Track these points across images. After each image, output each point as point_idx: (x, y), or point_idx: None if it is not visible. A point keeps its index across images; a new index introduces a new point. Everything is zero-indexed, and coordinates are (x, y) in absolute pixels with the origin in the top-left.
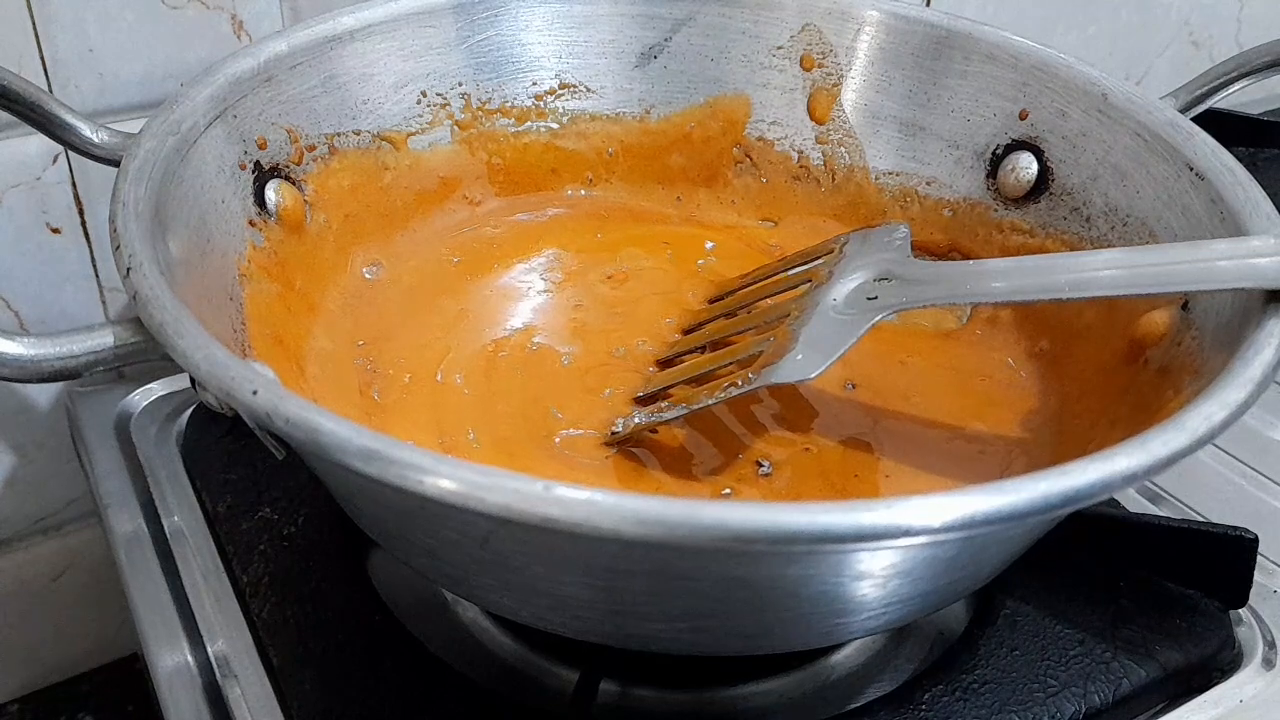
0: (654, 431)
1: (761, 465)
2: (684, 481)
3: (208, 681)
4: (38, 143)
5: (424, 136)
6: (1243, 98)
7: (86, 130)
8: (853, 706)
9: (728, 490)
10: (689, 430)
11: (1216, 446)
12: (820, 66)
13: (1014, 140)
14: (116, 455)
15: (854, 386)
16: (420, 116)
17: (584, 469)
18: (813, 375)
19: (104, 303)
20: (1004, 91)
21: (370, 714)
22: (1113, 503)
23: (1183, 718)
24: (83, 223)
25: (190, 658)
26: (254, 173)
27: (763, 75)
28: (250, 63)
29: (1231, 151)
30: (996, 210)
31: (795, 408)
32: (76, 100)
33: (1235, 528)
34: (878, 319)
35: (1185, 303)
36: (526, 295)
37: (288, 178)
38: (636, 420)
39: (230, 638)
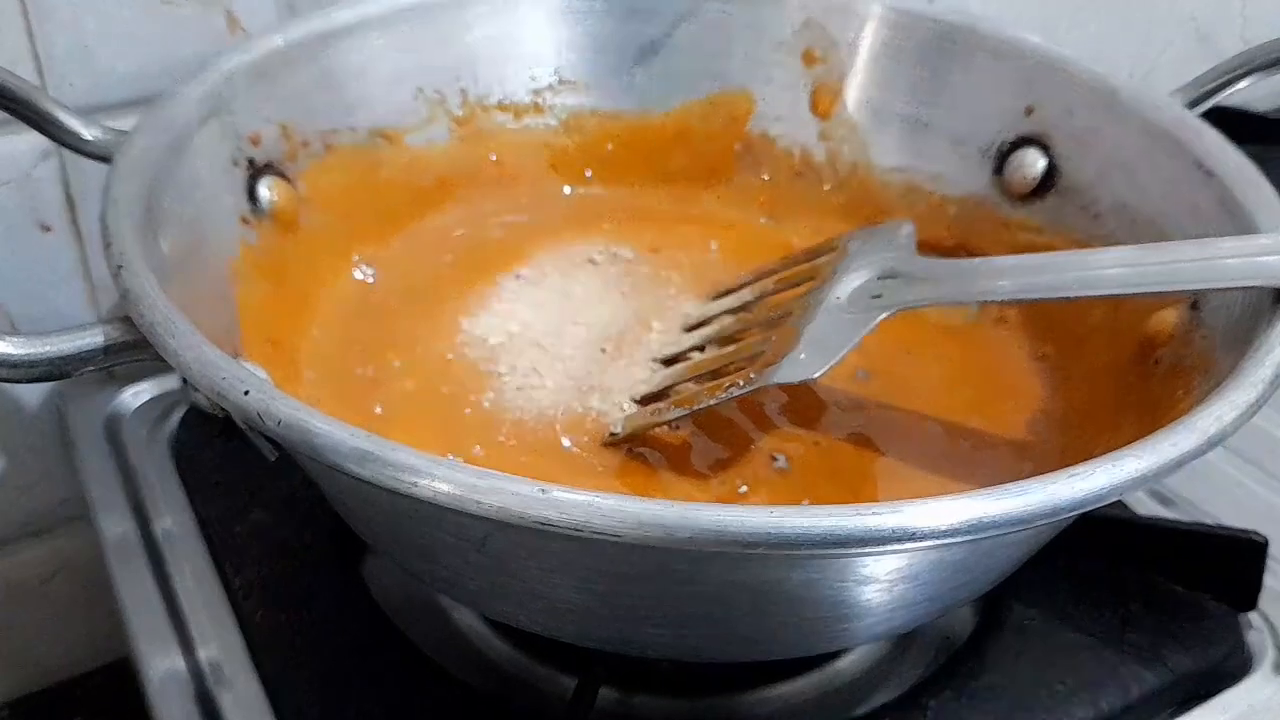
0: (677, 426)
1: (776, 459)
2: (696, 481)
3: (199, 688)
4: (28, 139)
5: (420, 133)
6: (1250, 94)
7: (79, 127)
8: (858, 713)
9: (744, 488)
10: (698, 428)
11: (1226, 448)
12: (823, 62)
13: (1020, 136)
14: (107, 457)
15: (866, 375)
16: (416, 112)
17: (593, 472)
18: (815, 375)
19: (95, 302)
20: (1009, 87)
21: None
22: (1121, 505)
23: None
24: (74, 220)
25: (181, 664)
26: (247, 169)
27: (765, 71)
28: (244, 58)
29: (1240, 148)
30: (1003, 207)
31: (805, 400)
32: (70, 96)
33: (1245, 530)
34: (882, 317)
35: (1194, 302)
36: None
37: (281, 174)
38: (637, 421)
39: (222, 643)
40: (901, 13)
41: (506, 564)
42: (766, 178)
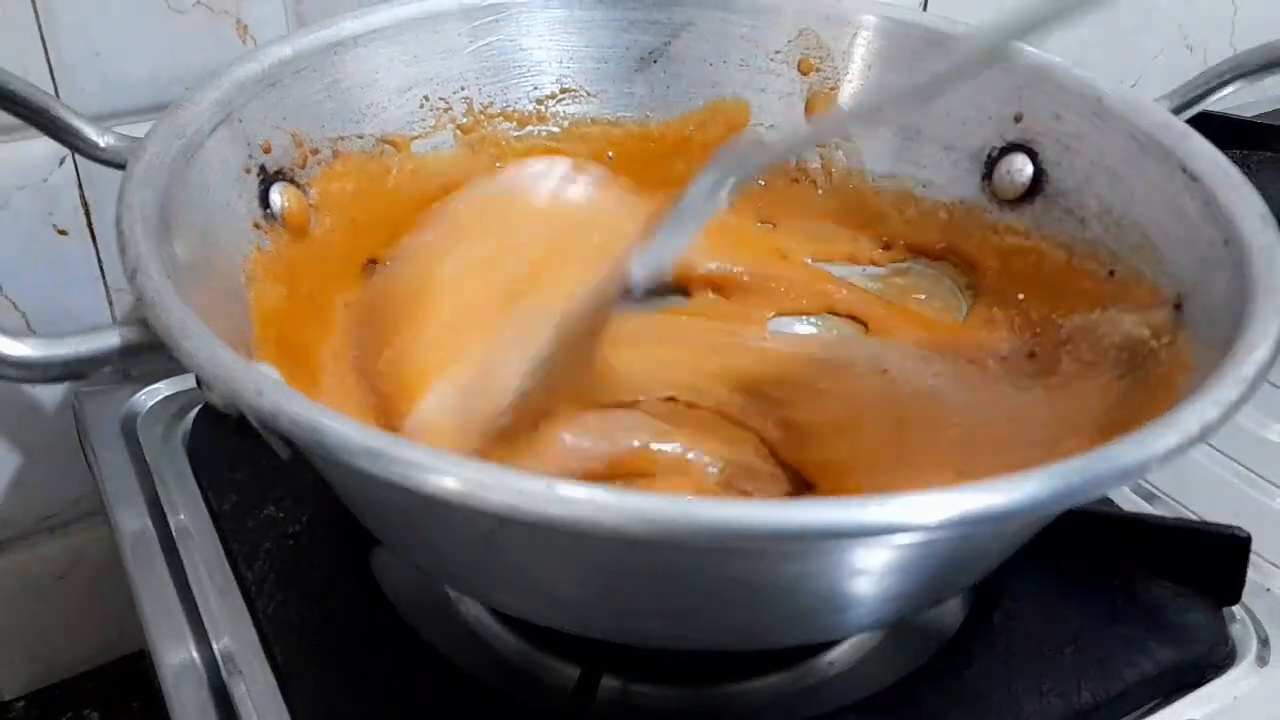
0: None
1: (777, 455)
2: (699, 479)
3: (213, 678)
4: (44, 145)
5: (427, 140)
6: (1236, 100)
7: (92, 134)
8: (848, 703)
9: (747, 485)
10: (702, 425)
11: (1210, 445)
12: (817, 71)
13: (1009, 143)
14: (123, 454)
15: (864, 371)
16: (423, 120)
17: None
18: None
19: (110, 304)
20: (999, 95)
21: (374, 709)
22: (1107, 501)
23: (1176, 715)
24: (89, 224)
25: (196, 655)
26: (259, 176)
27: (761, 80)
28: (255, 67)
29: (1225, 154)
30: (992, 212)
31: (805, 397)
32: (82, 104)
33: (1228, 526)
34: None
35: (1178, 303)
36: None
37: (292, 181)
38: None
39: (235, 635)
40: (894, 22)
41: (511, 558)
42: (762, 183)
